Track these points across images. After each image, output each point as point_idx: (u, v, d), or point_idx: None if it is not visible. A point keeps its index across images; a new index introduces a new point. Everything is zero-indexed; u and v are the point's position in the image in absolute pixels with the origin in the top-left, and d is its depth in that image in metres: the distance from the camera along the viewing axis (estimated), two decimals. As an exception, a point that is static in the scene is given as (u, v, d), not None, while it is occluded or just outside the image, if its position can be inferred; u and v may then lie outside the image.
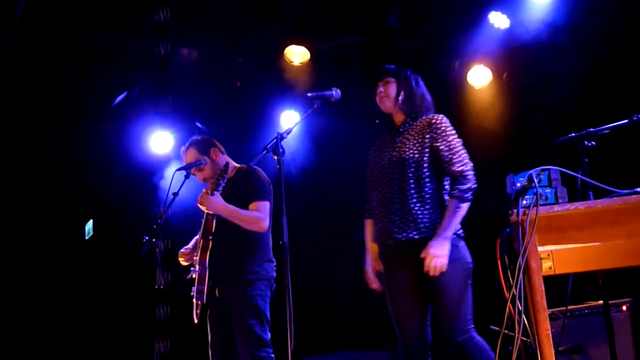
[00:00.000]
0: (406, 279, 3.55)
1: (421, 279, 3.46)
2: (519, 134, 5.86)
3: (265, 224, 4.07)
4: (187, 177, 4.22)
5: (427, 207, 3.52)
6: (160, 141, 6.42)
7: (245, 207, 4.08)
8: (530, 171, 2.81)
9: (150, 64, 6.32)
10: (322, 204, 6.48)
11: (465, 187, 3.48)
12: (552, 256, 3.09)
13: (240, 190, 4.16)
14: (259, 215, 4.05)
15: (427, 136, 3.57)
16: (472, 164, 3.55)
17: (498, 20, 5.73)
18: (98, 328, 6.65)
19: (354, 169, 6.34)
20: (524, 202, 2.77)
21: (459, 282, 3.44)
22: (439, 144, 3.55)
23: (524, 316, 2.71)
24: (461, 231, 3.55)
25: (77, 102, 6.47)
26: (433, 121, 3.60)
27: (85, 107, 6.53)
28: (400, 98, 3.67)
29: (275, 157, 3.43)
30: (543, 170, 2.83)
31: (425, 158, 3.55)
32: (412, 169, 3.55)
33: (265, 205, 4.11)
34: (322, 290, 6.40)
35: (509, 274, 2.79)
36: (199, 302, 4.00)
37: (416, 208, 3.51)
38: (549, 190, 2.81)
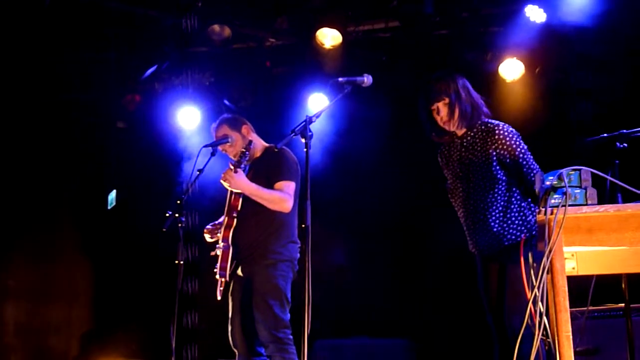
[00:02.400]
0: (491, 284, 3.62)
1: (501, 281, 3.55)
2: (549, 131, 5.79)
3: (289, 204, 4.07)
4: (213, 154, 4.23)
5: (508, 220, 3.54)
6: (187, 116, 6.44)
7: (271, 187, 4.09)
8: (561, 170, 2.77)
9: (181, 39, 6.33)
10: (347, 189, 6.48)
11: (535, 187, 3.44)
12: (576, 257, 3.07)
13: (266, 170, 4.16)
14: (282, 195, 4.06)
15: (493, 153, 3.56)
16: (539, 169, 3.53)
17: (534, 13, 5.65)
18: (114, 300, 6.74)
19: (380, 155, 6.38)
20: (553, 201, 2.74)
21: None
22: (507, 160, 3.55)
23: (544, 316, 2.69)
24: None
25: (107, 70, 6.50)
26: (497, 136, 3.57)
27: (115, 76, 6.56)
28: (457, 116, 3.63)
29: (303, 140, 3.38)
30: (574, 169, 2.80)
31: (499, 175, 3.56)
32: (489, 189, 3.56)
33: (290, 186, 4.11)
34: (342, 275, 6.42)
35: (532, 273, 2.78)
36: (223, 280, 4.03)
37: (502, 224, 3.53)
38: (578, 191, 2.77)
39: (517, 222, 3.53)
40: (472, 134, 3.67)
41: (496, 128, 3.59)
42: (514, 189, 3.57)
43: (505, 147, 3.55)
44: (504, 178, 3.56)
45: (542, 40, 5.76)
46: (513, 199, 3.56)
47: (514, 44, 5.85)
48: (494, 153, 3.56)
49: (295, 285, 4.08)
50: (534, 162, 3.57)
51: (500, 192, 3.55)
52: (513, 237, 3.52)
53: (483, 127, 3.64)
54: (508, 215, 3.54)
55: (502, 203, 3.54)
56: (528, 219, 3.53)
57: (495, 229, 3.54)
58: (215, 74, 6.55)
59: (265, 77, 6.54)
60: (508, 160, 3.55)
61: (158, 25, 6.34)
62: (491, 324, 3.63)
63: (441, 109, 3.65)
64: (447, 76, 3.69)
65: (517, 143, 3.56)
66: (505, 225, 3.53)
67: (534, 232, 3.46)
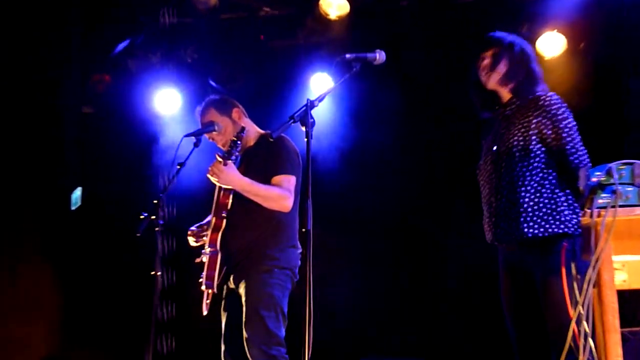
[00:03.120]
0: (517, 297, 3.62)
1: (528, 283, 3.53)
2: (595, 118, 5.77)
3: (289, 202, 4.06)
4: (196, 144, 4.21)
5: (535, 205, 3.51)
6: (166, 100, 6.43)
7: (267, 182, 4.08)
8: (610, 164, 2.77)
9: (158, 9, 6.32)
10: (354, 187, 6.47)
11: (579, 184, 3.41)
12: (627, 267, 3.06)
13: (262, 162, 4.15)
14: (281, 192, 4.05)
15: (533, 120, 3.58)
16: (586, 155, 3.51)
17: (578, -21, 5.65)
18: (82, 314, 6.76)
19: (395, 145, 6.37)
20: (600, 201, 2.74)
21: None
22: (549, 132, 3.55)
23: (590, 338, 2.68)
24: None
25: (71, 45, 6.50)
26: (541, 102, 3.60)
27: (80, 53, 6.55)
28: (503, 72, 3.72)
29: (304, 129, 3.37)
30: (625, 164, 2.79)
31: (535, 148, 3.56)
32: (519, 162, 3.56)
33: (290, 180, 4.10)
34: (347, 284, 6.43)
35: (575, 286, 2.77)
36: (210, 291, 4.02)
37: (525, 206, 3.51)
38: (630, 189, 2.78)
39: (544, 209, 3.48)
40: (518, 102, 3.70)
41: (542, 96, 3.62)
42: (550, 170, 3.54)
43: (548, 116, 3.55)
44: (540, 153, 3.54)
45: (587, 9, 5.74)
46: (546, 182, 3.52)
47: (555, 14, 5.84)
48: (534, 121, 3.57)
49: (293, 297, 4.07)
50: (580, 144, 3.54)
51: (532, 168, 3.53)
52: (536, 225, 3.47)
53: (531, 96, 3.67)
54: (536, 200, 3.49)
55: (532, 184, 3.51)
56: (559, 209, 3.47)
57: (517, 208, 3.50)
58: (199, 50, 6.54)
59: (259, 53, 6.53)
60: (549, 132, 3.54)
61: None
62: (512, 336, 3.63)
63: (486, 58, 3.75)
64: (505, 33, 3.81)
65: (564, 116, 3.55)
66: (530, 209, 3.49)
67: (567, 231, 3.42)
